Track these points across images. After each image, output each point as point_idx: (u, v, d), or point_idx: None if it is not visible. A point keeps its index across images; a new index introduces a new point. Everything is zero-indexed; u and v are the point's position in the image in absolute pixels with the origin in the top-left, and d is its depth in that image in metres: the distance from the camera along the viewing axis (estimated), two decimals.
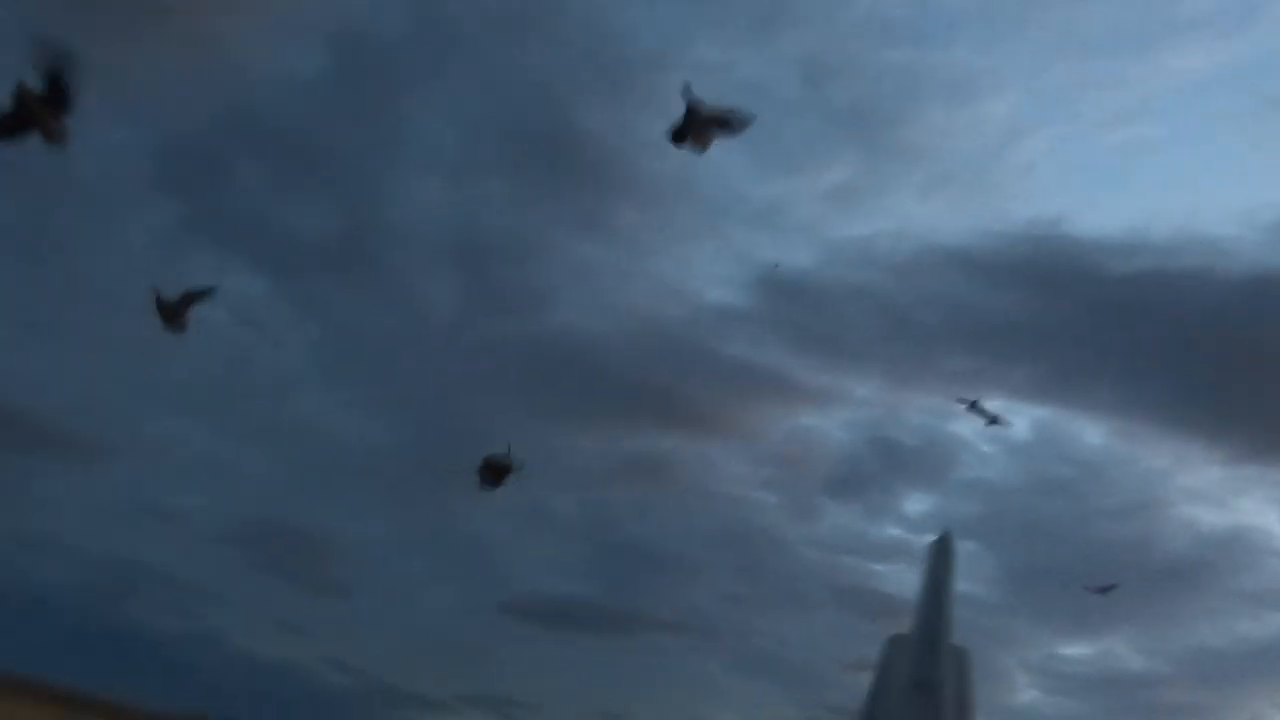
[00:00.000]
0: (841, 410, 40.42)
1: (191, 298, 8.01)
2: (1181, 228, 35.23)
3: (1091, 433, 35.77)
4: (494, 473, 9.61)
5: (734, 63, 39.34)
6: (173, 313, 8.08)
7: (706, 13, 40.31)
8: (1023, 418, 36.94)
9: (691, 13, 39.48)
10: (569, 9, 38.21)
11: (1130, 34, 37.09)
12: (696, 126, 7.11)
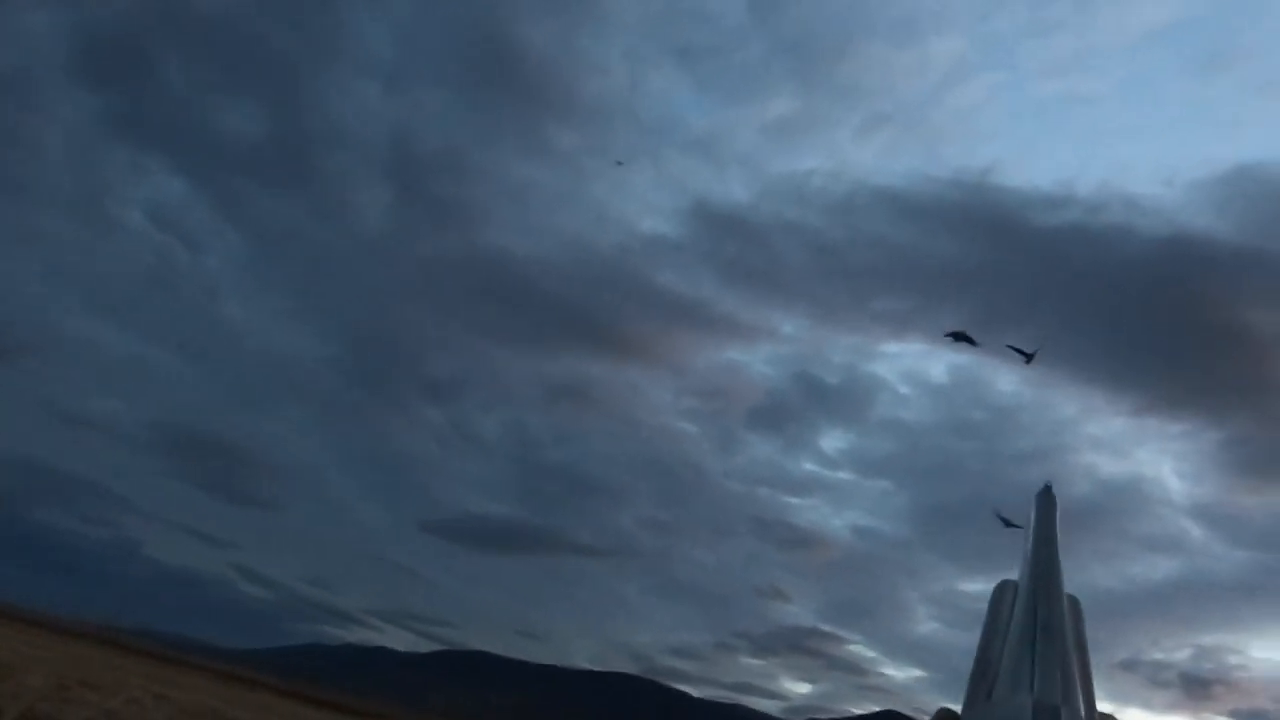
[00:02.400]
0: (767, 345, 40.98)
1: None
2: (1106, 184, 36.22)
3: (1006, 379, 36.99)
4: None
5: None
6: None
7: None
8: (941, 362, 38.01)
9: None
10: None
11: None
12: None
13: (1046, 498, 0.67)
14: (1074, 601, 0.56)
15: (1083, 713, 0.41)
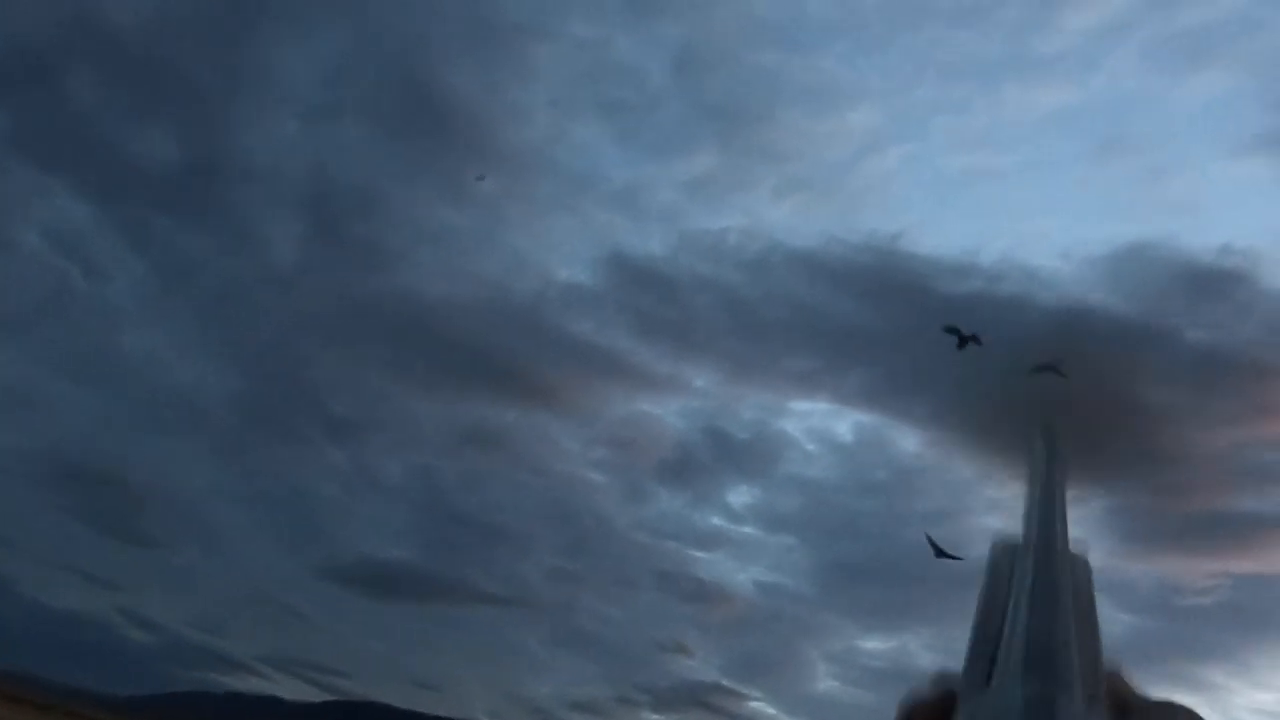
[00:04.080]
0: (678, 398, 41.31)
1: None
2: (1007, 255, 37.61)
3: (909, 440, 37.90)
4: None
5: (608, 41, 39.48)
6: None
7: None
8: (847, 421, 38.76)
9: None
10: None
11: (986, 64, 39.25)
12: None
13: (1048, 434, 0.61)
14: (1082, 563, 0.52)
15: (1082, 695, 0.39)
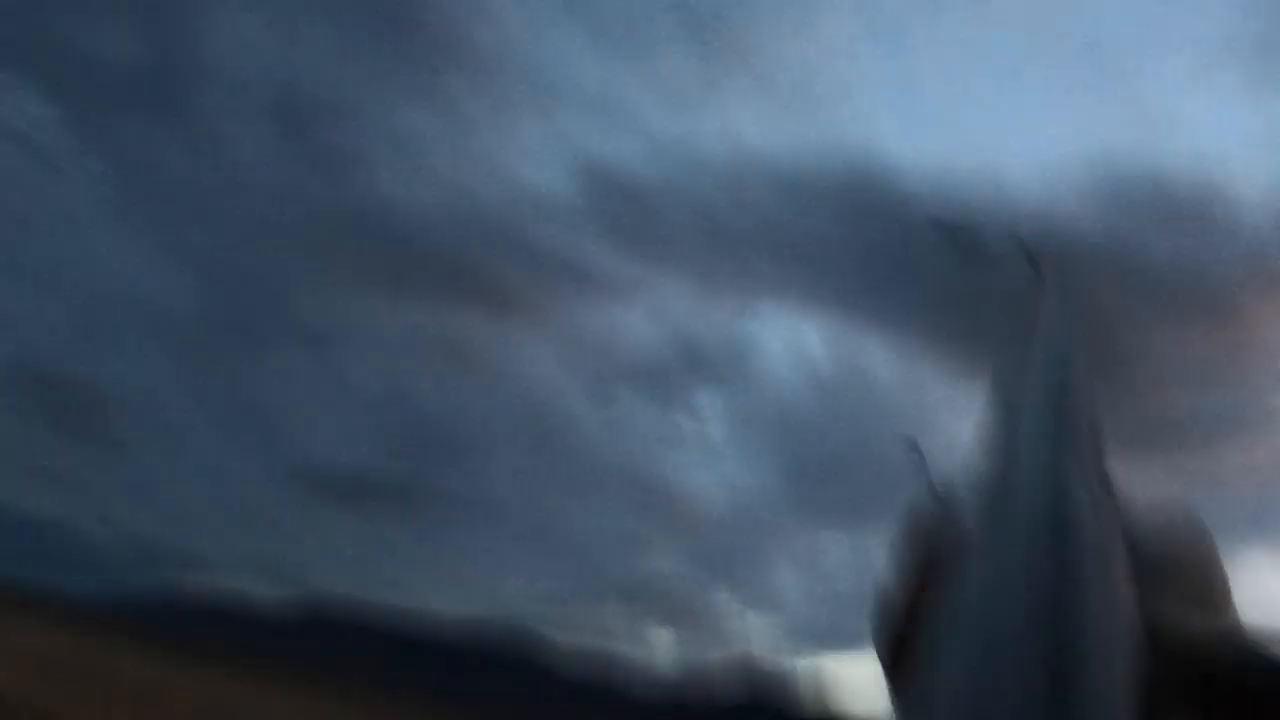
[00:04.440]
0: (648, 304, 41.22)
1: None
2: (980, 165, 37.44)
3: (875, 346, 38.17)
4: None
5: None
6: None
7: None
8: (815, 328, 38.90)
9: None
10: None
11: None
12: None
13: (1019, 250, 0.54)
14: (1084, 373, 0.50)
15: (1095, 475, 0.39)
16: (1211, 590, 0.50)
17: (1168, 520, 0.49)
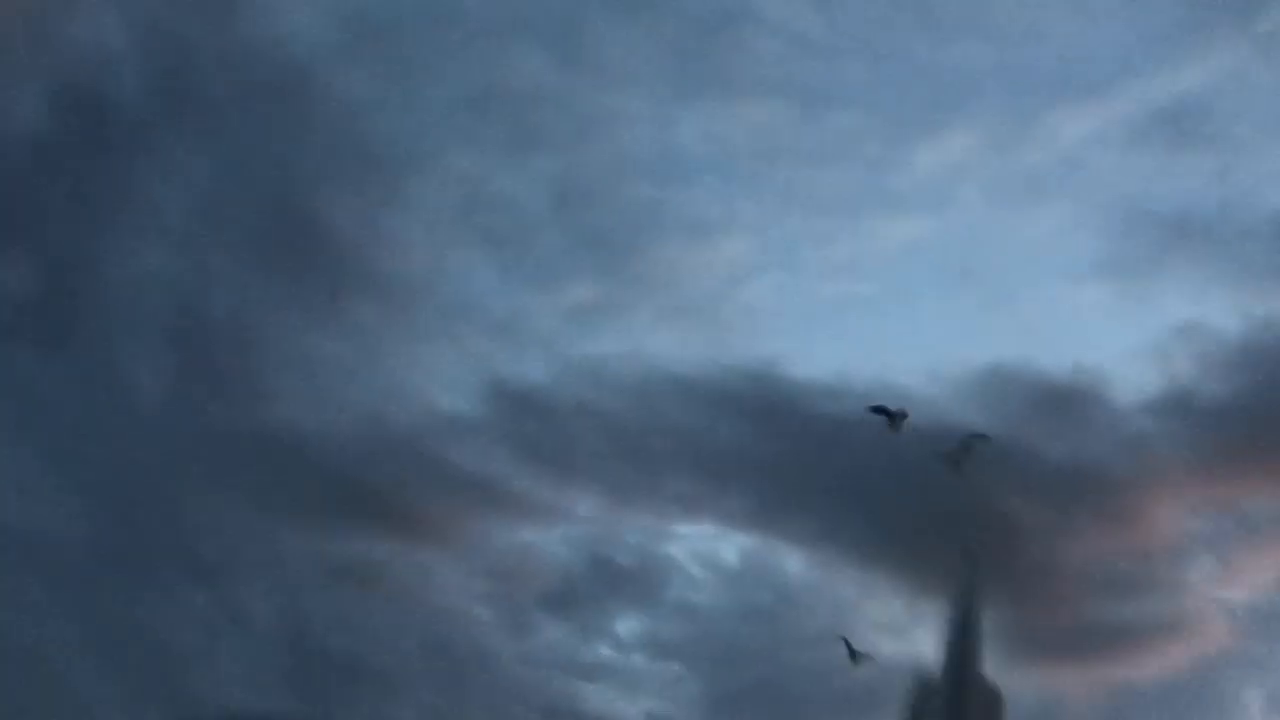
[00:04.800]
0: (562, 526, 40.84)
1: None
2: (878, 377, 38.85)
3: (792, 561, 38.10)
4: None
5: (488, 175, 40.20)
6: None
7: (463, 125, 41.12)
8: (732, 545, 38.86)
9: (448, 122, 40.19)
10: (323, 95, 37.88)
11: (847, 198, 41.27)
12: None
13: (967, 560, 0.58)
14: (992, 694, 0.50)
15: None
16: None
17: None
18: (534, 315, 42.53)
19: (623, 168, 40.29)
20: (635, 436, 39.87)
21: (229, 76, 37.30)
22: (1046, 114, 37.90)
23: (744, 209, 41.71)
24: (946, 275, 40.94)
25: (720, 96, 39.94)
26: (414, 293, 39.60)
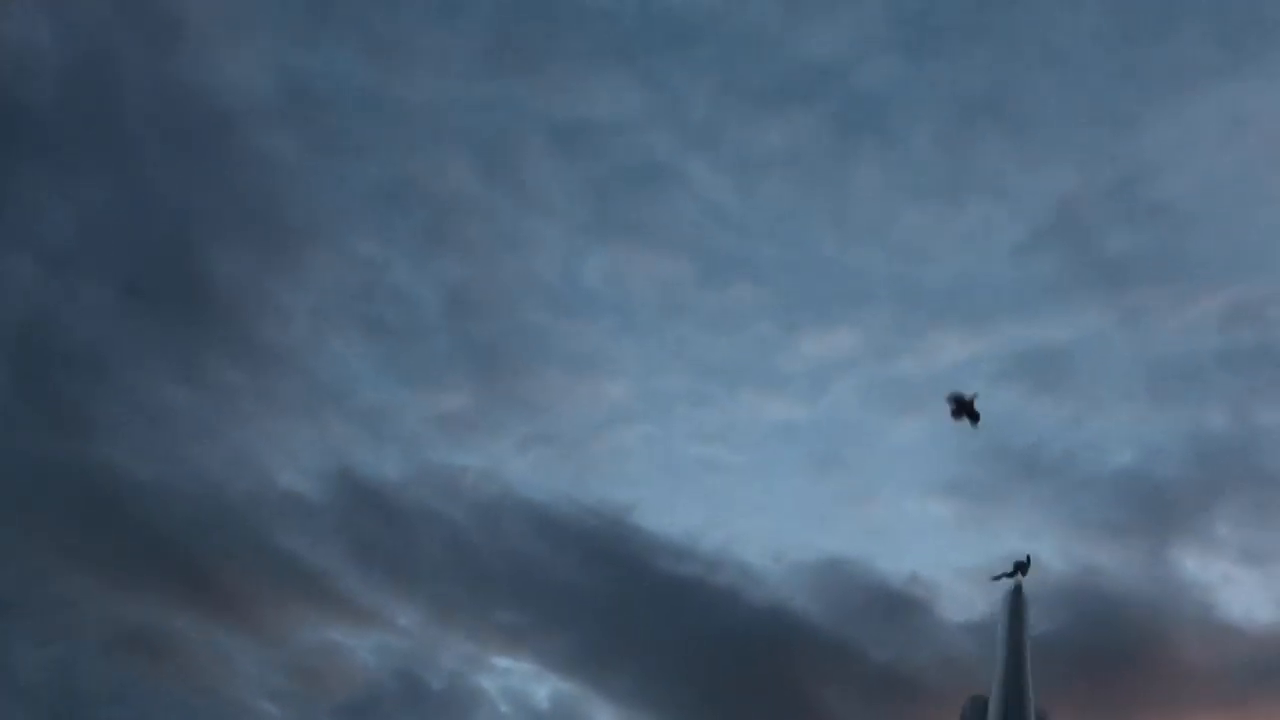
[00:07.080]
0: (377, 634, 39.15)
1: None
2: (725, 546, 39.21)
3: (602, 716, 37.21)
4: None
5: (388, 266, 40.01)
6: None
7: (376, 211, 41.17)
8: (546, 687, 37.78)
9: (362, 206, 40.19)
10: (241, 151, 37.51)
11: (730, 370, 42.40)
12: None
13: (1017, 598, 0.64)
14: (1042, 715, 0.54)
15: None
16: None
17: None
18: (401, 413, 41.77)
19: (523, 288, 40.71)
20: (474, 555, 38.94)
21: (151, 110, 36.71)
22: (929, 332, 40.16)
23: (631, 355, 42.45)
24: (809, 463, 42.05)
25: (631, 243, 41.13)
26: (284, 365, 38.55)
